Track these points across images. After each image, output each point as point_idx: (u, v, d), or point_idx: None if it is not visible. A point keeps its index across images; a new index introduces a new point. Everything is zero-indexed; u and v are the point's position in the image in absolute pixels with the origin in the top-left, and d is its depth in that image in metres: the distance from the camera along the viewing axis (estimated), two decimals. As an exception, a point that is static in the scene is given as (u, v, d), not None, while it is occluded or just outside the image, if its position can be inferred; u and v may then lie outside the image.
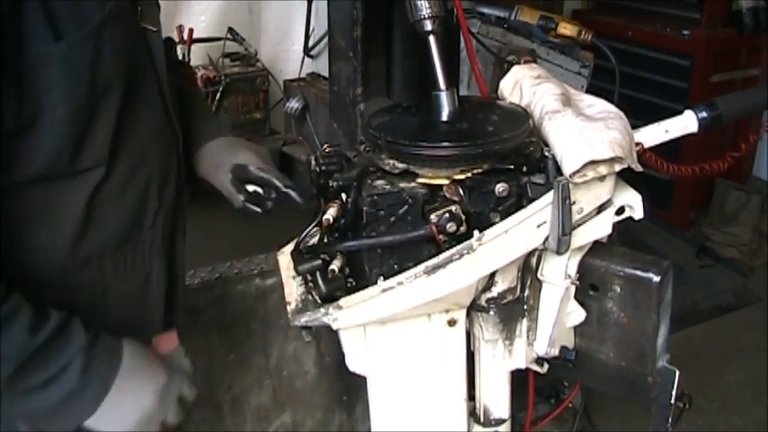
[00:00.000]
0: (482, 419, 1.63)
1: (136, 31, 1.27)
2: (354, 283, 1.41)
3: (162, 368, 1.28)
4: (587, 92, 1.76)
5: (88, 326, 1.15)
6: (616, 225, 1.45)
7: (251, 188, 1.53)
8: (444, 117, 1.49)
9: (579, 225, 1.38)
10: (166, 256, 1.42)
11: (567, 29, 2.61)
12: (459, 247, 1.31)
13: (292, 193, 1.48)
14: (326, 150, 1.50)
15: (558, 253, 1.34)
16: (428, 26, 1.47)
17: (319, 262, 1.38)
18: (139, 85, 1.25)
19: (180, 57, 3.32)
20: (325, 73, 2.74)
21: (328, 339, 2.25)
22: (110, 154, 1.21)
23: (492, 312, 1.47)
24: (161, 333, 1.39)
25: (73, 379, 1.11)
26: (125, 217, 1.29)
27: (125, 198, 1.28)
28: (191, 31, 3.48)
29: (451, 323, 1.47)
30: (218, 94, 3.48)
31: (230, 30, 3.65)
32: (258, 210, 1.50)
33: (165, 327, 1.44)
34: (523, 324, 1.51)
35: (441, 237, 1.33)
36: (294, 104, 3.54)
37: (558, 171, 1.34)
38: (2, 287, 1.06)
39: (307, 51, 3.67)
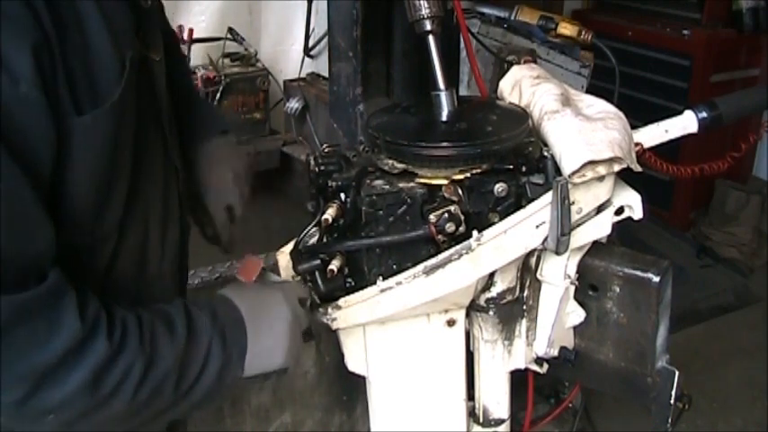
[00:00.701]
0: (481, 419, 1.63)
1: (138, 63, 1.15)
2: (353, 283, 1.41)
3: (273, 295, 1.28)
4: (587, 92, 1.76)
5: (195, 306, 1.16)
6: (615, 225, 1.45)
7: None
8: (443, 117, 1.49)
9: (578, 225, 1.38)
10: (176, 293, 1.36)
11: (567, 29, 2.61)
12: (458, 247, 1.31)
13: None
14: (326, 150, 1.50)
15: (558, 253, 1.34)
16: (427, 26, 1.47)
17: (318, 262, 1.38)
18: (144, 124, 1.16)
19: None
20: (325, 73, 2.73)
21: (328, 339, 2.24)
22: (123, 216, 1.13)
23: (491, 312, 1.47)
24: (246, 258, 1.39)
25: (217, 356, 1.12)
26: (133, 271, 1.20)
27: (132, 253, 1.19)
28: (191, 31, 3.47)
29: (451, 323, 1.47)
30: (218, 94, 3.48)
31: (230, 30, 3.65)
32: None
33: None
34: (523, 324, 1.51)
35: (440, 237, 1.33)
36: (294, 104, 3.54)
37: (558, 171, 1.34)
38: (131, 317, 1.04)
39: (307, 51, 3.67)
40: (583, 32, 2.57)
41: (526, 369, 1.58)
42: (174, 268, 1.32)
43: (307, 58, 3.70)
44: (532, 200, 1.35)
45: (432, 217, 1.32)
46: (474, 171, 1.37)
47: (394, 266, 1.38)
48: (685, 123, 1.57)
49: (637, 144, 1.48)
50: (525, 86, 1.56)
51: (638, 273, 1.40)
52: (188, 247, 1.41)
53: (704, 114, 1.57)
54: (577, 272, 1.44)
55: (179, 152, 1.36)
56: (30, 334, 0.92)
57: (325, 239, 1.40)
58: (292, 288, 1.34)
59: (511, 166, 1.38)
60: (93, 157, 1.00)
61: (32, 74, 0.89)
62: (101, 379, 0.97)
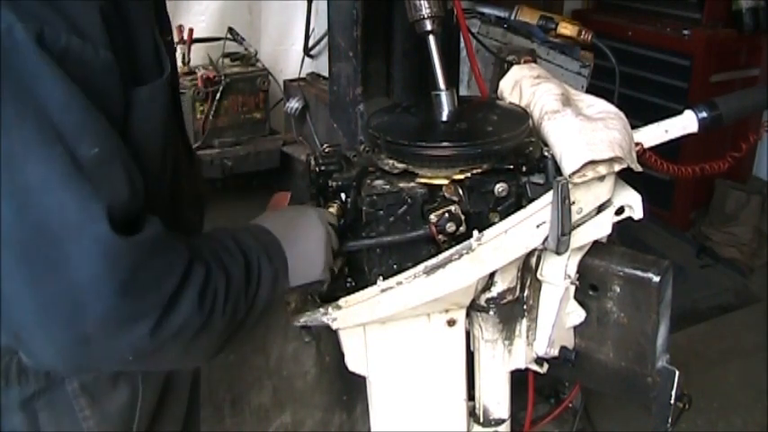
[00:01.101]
0: (482, 419, 1.63)
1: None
2: (354, 283, 1.41)
3: (306, 212, 1.33)
4: (587, 92, 1.76)
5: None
6: (616, 225, 1.45)
7: None
8: (444, 117, 1.49)
9: (579, 225, 1.38)
10: None
11: (567, 29, 2.61)
12: (458, 247, 1.31)
13: None
14: (326, 150, 1.50)
15: (558, 253, 1.34)
16: (427, 26, 1.47)
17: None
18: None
19: (180, 57, 3.32)
20: (325, 73, 2.73)
21: (328, 339, 2.24)
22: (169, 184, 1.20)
23: (491, 312, 1.47)
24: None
25: (268, 270, 1.17)
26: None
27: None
28: (191, 31, 3.47)
29: (451, 323, 1.47)
30: (218, 94, 3.48)
31: (230, 30, 3.64)
32: None
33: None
34: (523, 324, 1.51)
35: (440, 237, 1.33)
36: (294, 104, 3.53)
37: (558, 171, 1.34)
38: (203, 244, 1.11)
39: (307, 51, 3.67)
40: (583, 32, 2.56)
41: (526, 369, 1.58)
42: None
43: (307, 58, 3.69)
44: (533, 200, 1.35)
45: (432, 217, 1.32)
46: (474, 171, 1.37)
47: (394, 266, 1.38)
48: (685, 123, 1.58)
49: (637, 144, 1.48)
50: (525, 86, 1.56)
51: (639, 272, 1.40)
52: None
53: (704, 114, 1.57)
54: (578, 272, 1.44)
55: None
56: (160, 266, 0.99)
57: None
58: (323, 211, 1.37)
59: (511, 166, 1.38)
60: (151, 127, 1.08)
61: (105, 38, 0.95)
62: (203, 298, 1.03)
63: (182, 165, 1.30)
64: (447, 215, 1.32)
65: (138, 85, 1.04)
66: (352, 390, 2.48)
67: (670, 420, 1.45)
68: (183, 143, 1.38)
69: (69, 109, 0.92)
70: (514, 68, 1.67)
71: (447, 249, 1.32)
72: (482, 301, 1.47)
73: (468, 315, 1.50)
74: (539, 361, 1.55)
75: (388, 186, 1.37)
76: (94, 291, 0.93)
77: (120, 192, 0.96)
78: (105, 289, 0.93)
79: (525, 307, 1.50)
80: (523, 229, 1.33)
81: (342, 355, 1.52)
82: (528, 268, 1.46)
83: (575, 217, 1.35)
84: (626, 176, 1.42)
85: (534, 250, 1.40)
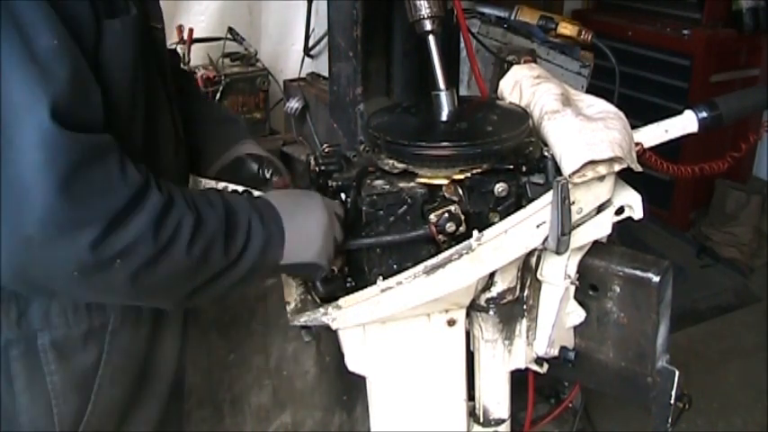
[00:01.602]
0: (482, 419, 1.63)
1: (146, 31, 1.28)
2: (354, 283, 1.41)
3: (311, 195, 1.34)
4: (587, 92, 1.76)
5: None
6: (616, 225, 1.45)
7: None
8: (444, 117, 1.49)
9: (579, 225, 1.38)
10: None
11: (567, 29, 2.61)
12: (458, 247, 1.31)
13: None
14: (326, 150, 1.50)
15: (558, 253, 1.34)
16: (427, 26, 1.47)
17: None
18: (152, 86, 1.27)
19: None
20: (325, 73, 2.72)
21: (328, 339, 2.25)
22: (143, 145, 1.23)
23: (491, 312, 1.47)
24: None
25: (259, 232, 1.19)
26: None
27: None
28: (191, 31, 3.47)
29: (451, 323, 1.47)
30: (219, 94, 3.48)
31: (230, 30, 3.64)
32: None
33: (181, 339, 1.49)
34: (523, 324, 1.51)
35: (440, 237, 1.33)
36: (294, 104, 3.53)
37: (558, 171, 1.34)
38: (172, 185, 1.13)
39: (307, 51, 3.67)
40: (583, 32, 2.56)
41: (526, 369, 1.58)
42: None
43: (307, 58, 3.69)
44: (533, 200, 1.35)
45: (432, 217, 1.32)
46: (474, 171, 1.37)
47: (394, 266, 1.38)
48: (685, 123, 1.57)
49: (637, 144, 1.48)
50: (525, 86, 1.56)
51: (639, 273, 1.40)
52: None
53: (704, 114, 1.57)
54: (578, 272, 1.44)
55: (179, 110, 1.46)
56: (105, 173, 1.01)
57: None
58: (330, 200, 1.37)
59: (511, 166, 1.38)
60: (121, 60, 1.12)
61: None
62: (159, 226, 1.05)
63: (161, 122, 1.32)
64: (447, 215, 1.32)
65: (109, 18, 1.09)
66: (352, 390, 2.48)
67: (670, 420, 1.45)
68: (169, 107, 1.39)
69: (31, 4, 0.98)
70: (514, 68, 1.67)
71: (447, 249, 1.32)
72: (482, 301, 1.47)
73: (468, 315, 1.50)
74: (539, 361, 1.55)
75: (388, 186, 1.37)
76: (34, 181, 0.95)
77: (72, 90, 0.99)
78: (44, 181, 0.95)
79: (525, 307, 1.50)
80: (523, 229, 1.33)
81: (342, 355, 1.51)
82: (528, 268, 1.46)
83: (575, 217, 1.35)
84: (626, 176, 1.42)
85: (534, 250, 1.40)
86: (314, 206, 1.30)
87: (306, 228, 1.26)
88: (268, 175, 1.54)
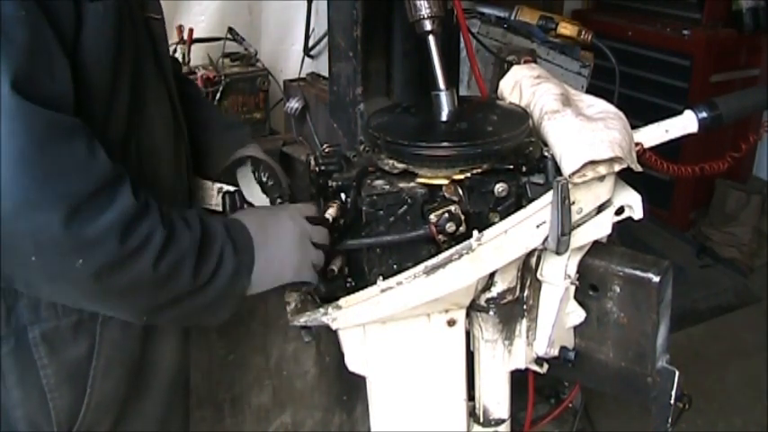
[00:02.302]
0: (482, 419, 1.62)
1: (141, 20, 1.29)
2: (354, 283, 1.41)
3: (278, 213, 1.34)
4: (587, 92, 1.76)
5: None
6: (616, 225, 1.45)
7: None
8: (444, 117, 1.49)
9: (579, 225, 1.38)
10: None
11: (567, 29, 2.61)
12: (458, 247, 1.31)
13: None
14: (326, 150, 1.50)
15: (558, 253, 1.34)
16: (427, 26, 1.47)
17: (319, 261, 1.38)
18: (144, 69, 1.27)
19: (180, 57, 3.32)
20: (325, 73, 2.72)
21: (328, 339, 2.25)
22: (124, 132, 1.22)
23: (491, 312, 1.47)
24: None
25: (231, 260, 1.18)
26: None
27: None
28: (191, 31, 3.47)
29: (451, 323, 1.47)
30: (219, 94, 3.47)
31: (230, 30, 3.64)
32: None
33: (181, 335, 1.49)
34: (523, 324, 1.51)
35: (440, 237, 1.33)
36: (294, 104, 3.53)
37: (558, 171, 1.34)
38: (152, 198, 1.11)
39: (307, 51, 3.67)
40: (583, 32, 2.57)
41: (526, 369, 1.58)
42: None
43: (307, 58, 3.69)
44: (533, 200, 1.35)
45: (432, 217, 1.32)
46: (474, 171, 1.37)
47: (394, 266, 1.38)
48: (685, 123, 1.57)
49: (637, 144, 1.48)
50: (525, 86, 1.56)
51: (639, 273, 1.40)
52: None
53: (704, 114, 1.57)
54: (578, 272, 1.44)
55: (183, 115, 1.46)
56: (70, 154, 0.99)
57: (325, 239, 1.40)
58: (297, 207, 1.38)
59: (511, 166, 1.38)
60: (103, 41, 1.11)
61: None
62: (128, 230, 1.03)
63: (157, 113, 1.31)
64: (447, 215, 1.32)
65: (91, 1, 1.09)
66: (352, 390, 2.48)
67: (670, 420, 1.45)
68: (170, 100, 1.39)
69: None
70: (514, 68, 1.67)
71: (447, 249, 1.32)
72: (482, 301, 1.47)
73: (468, 315, 1.50)
74: (539, 361, 1.55)
75: (387, 186, 1.37)
76: None
77: (33, 60, 0.98)
78: (7, 151, 0.94)
79: (525, 307, 1.50)
80: (523, 229, 1.33)
81: (342, 356, 1.51)
82: (528, 268, 1.46)
83: (575, 217, 1.35)
84: (626, 176, 1.42)
85: (534, 250, 1.40)
86: (282, 229, 1.29)
87: (279, 250, 1.27)
88: (264, 179, 1.54)
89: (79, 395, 1.27)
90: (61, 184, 0.98)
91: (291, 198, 1.51)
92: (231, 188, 1.53)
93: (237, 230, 1.23)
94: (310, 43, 3.62)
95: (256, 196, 1.53)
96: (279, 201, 1.54)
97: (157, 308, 1.14)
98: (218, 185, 1.53)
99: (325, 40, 2.78)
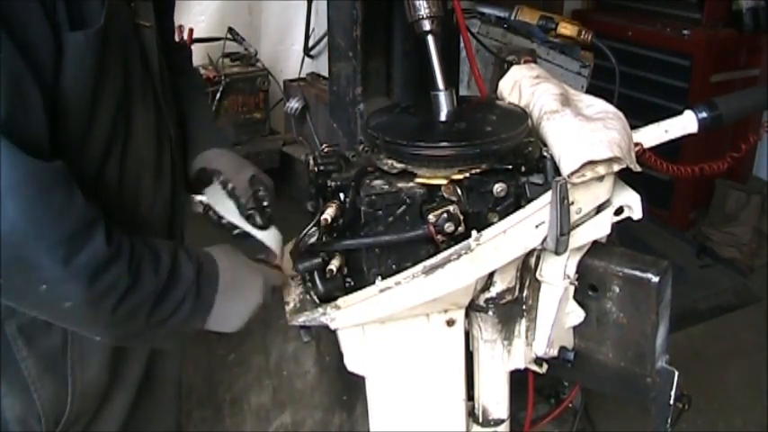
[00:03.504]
0: (481, 419, 1.62)
1: (130, 28, 1.29)
2: (353, 283, 1.41)
3: (252, 268, 1.37)
4: (587, 92, 1.76)
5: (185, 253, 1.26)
6: (615, 225, 1.44)
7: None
8: (443, 117, 1.49)
9: (578, 225, 1.38)
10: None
11: (567, 29, 2.61)
12: (457, 247, 1.31)
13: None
14: (325, 150, 1.50)
15: (557, 253, 1.34)
16: (426, 26, 1.47)
17: (318, 261, 1.38)
18: (132, 81, 1.28)
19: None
20: (325, 73, 2.73)
21: (328, 339, 2.24)
22: (105, 147, 1.24)
23: (491, 312, 1.47)
24: None
25: (188, 305, 1.22)
26: (120, 211, 1.30)
27: (121, 193, 1.30)
28: (191, 31, 3.47)
29: (450, 323, 1.47)
30: (219, 94, 3.48)
31: (230, 30, 3.65)
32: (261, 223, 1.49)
33: None
34: (522, 324, 1.51)
35: (439, 237, 1.33)
36: (294, 104, 3.54)
37: (557, 171, 1.34)
38: (125, 239, 1.14)
39: (307, 51, 3.67)
40: (583, 32, 2.57)
41: (526, 369, 1.58)
42: (164, 223, 1.44)
43: (307, 58, 3.69)
44: (532, 200, 1.35)
45: (431, 217, 1.32)
46: (473, 171, 1.37)
47: (393, 266, 1.38)
48: (685, 123, 1.57)
49: (637, 144, 1.48)
50: (525, 86, 1.56)
51: (638, 273, 1.40)
52: (182, 216, 1.53)
53: (704, 114, 1.57)
54: (577, 272, 1.44)
55: (175, 122, 1.48)
56: (64, 199, 1.05)
57: (324, 239, 1.40)
58: (271, 276, 1.41)
59: (510, 166, 1.38)
60: (83, 71, 1.13)
61: None
62: (97, 274, 1.08)
63: (143, 126, 1.33)
64: (446, 215, 1.32)
65: (73, 30, 1.09)
66: (352, 390, 2.48)
67: (669, 421, 1.45)
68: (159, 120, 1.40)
69: None
70: (514, 68, 1.67)
71: (446, 249, 1.32)
72: (481, 302, 1.47)
73: (467, 315, 1.50)
74: (538, 361, 1.55)
75: (386, 186, 1.37)
76: None
77: (10, 103, 1.01)
78: None
79: (524, 307, 1.50)
80: (522, 229, 1.33)
81: (342, 355, 1.51)
82: (527, 268, 1.46)
83: (574, 217, 1.35)
84: (626, 176, 1.42)
85: (533, 250, 1.40)
86: (251, 291, 1.34)
87: (234, 311, 1.32)
88: (230, 188, 1.51)
89: (61, 385, 1.31)
90: (43, 228, 1.03)
91: (269, 217, 1.47)
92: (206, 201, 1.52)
93: (206, 276, 1.27)
94: (310, 43, 3.63)
95: (231, 212, 1.48)
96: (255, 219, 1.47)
97: (114, 338, 1.23)
98: (198, 198, 1.52)
99: (325, 40, 2.79)
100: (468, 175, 1.37)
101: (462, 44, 2.17)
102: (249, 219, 1.45)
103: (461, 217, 1.33)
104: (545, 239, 1.34)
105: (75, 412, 1.33)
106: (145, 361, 1.47)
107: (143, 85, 1.32)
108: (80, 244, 1.06)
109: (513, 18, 2.85)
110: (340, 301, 1.37)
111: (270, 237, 1.45)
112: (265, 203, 1.47)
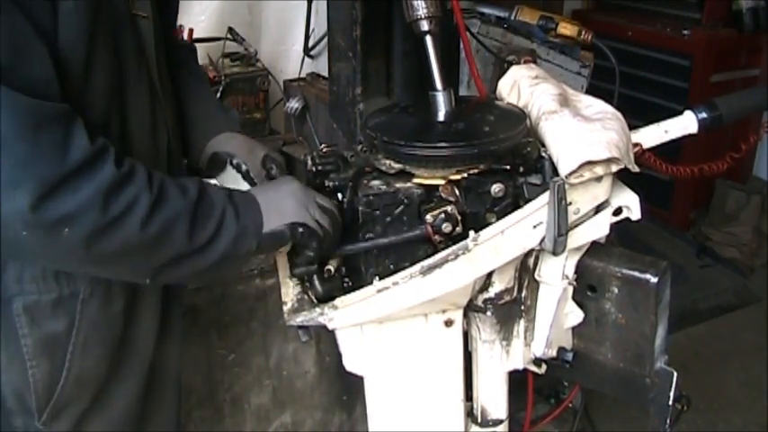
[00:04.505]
0: (479, 420, 1.62)
1: (125, 16, 1.30)
2: (350, 283, 1.41)
3: (289, 181, 1.38)
4: (587, 92, 1.76)
5: None
6: (615, 225, 1.44)
7: None
8: (441, 117, 1.49)
9: (576, 226, 1.38)
10: None
11: (567, 29, 2.61)
12: (454, 247, 1.31)
13: None
14: (323, 150, 1.50)
15: (555, 254, 1.34)
16: (425, 26, 1.47)
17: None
18: (126, 67, 1.29)
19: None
20: (325, 73, 2.73)
21: (328, 339, 2.25)
22: (100, 123, 1.25)
23: (489, 313, 1.47)
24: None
25: (232, 225, 1.22)
26: None
27: None
28: (191, 31, 3.47)
29: (448, 323, 1.47)
30: (219, 94, 3.48)
31: (230, 30, 3.64)
32: None
33: (161, 321, 1.50)
34: (521, 325, 1.51)
35: (436, 237, 1.33)
36: (294, 104, 3.53)
37: (555, 172, 1.34)
38: (140, 165, 1.16)
39: (307, 51, 3.67)
40: (583, 32, 2.57)
41: (526, 369, 1.58)
42: None
43: (307, 58, 3.69)
44: (530, 200, 1.35)
45: (428, 217, 1.32)
46: (471, 171, 1.37)
47: (391, 266, 1.38)
48: (685, 124, 1.57)
49: (636, 144, 1.48)
50: (524, 86, 1.56)
51: (637, 273, 1.40)
52: None
53: (704, 115, 1.57)
54: (576, 272, 1.44)
55: (172, 111, 1.48)
56: (48, 139, 1.05)
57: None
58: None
59: (508, 167, 1.38)
60: (76, 35, 1.14)
61: None
62: (109, 199, 1.08)
63: (137, 110, 1.33)
64: (443, 215, 1.32)
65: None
66: (352, 390, 2.48)
67: (668, 421, 1.45)
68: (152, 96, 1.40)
69: None
70: (513, 69, 1.67)
71: (443, 250, 1.32)
72: (479, 302, 1.46)
73: (465, 315, 1.50)
74: (537, 362, 1.55)
75: (384, 186, 1.37)
76: None
77: (11, 50, 1.04)
78: None
79: (523, 307, 1.49)
80: (520, 229, 1.33)
81: (341, 355, 1.51)
82: (526, 269, 1.46)
83: (572, 217, 1.35)
84: (626, 177, 1.41)
85: (532, 251, 1.40)
86: (287, 181, 1.37)
87: (278, 197, 1.32)
88: (244, 170, 1.53)
89: (57, 368, 1.33)
90: (37, 167, 1.04)
91: None
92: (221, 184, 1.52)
93: (242, 198, 1.27)
94: (310, 43, 3.63)
95: None
96: None
97: (158, 269, 1.19)
98: (213, 182, 1.52)
99: (325, 40, 2.78)
100: (465, 175, 1.36)
101: (461, 44, 2.16)
102: None
103: (459, 217, 1.33)
104: (543, 240, 1.34)
105: (65, 396, 1.35)
106: (149, 355, 1.47)
107: (138, 73, 1.33)
108: (86, 177, 1.06)
109: (512, 18, 2.85)
110: (338, 301, 1.37)
111: None
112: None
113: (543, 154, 1.38)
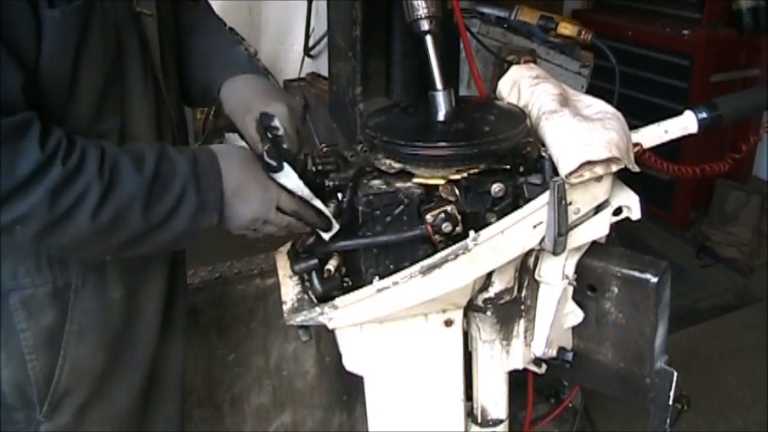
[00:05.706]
0: (480, 420, 1.62)
1: (128, 15, 1.29)
2: (350, 283, 1.41)
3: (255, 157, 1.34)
4: (587, 92, 1.76)
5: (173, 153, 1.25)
6: (615, 225, 1.44)
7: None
8: (441, 117, 1.49)
9: (576, 225, 1.38)
10: None
11: (567, 29, 2.61)
12: (454, 247, 1.31)
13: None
14: (324, 150, 1.50)
15: (554, 253, 1.34)
16: (425, 26, 1.47)
17: (315, 261, 1.38)
18: (128, 65, 1.29)
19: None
20: (325, 73, 2.73)
21: (328, 339, 2.25)
22: (90, 125, 1.25)
23: (489, 313, 1.47)
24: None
25: (192, 198, 1.22)
26: None
27: None
28: (191, 31, 3.47)
29: (448, 323, 1.47)
30: (219, 95, 3.48)
31: (230, 30, 3.64)
32: (274, 164, 1.36)
33: (164, 313, 1.50)
34: (521, 324, 1.51)
35: (436, 237, 1.32)
36: (294, 104, 3.53)
37: (556, 171, 1.34)
38: (94, 142, 1.17)
39: (307, 51, 3.67)
40: (583, 32, 2.57)
41: (526, 369, 1.58)
42: None
43: (307, 58, 3.69)
44: (530, 200, 1.35)
45: (428, 217, 1.32)
46: (471, 171, 1.37)
47: (391, 266, 1.38)
48: (685, 124, 1.57)
49: (636, 144, 1.48)
50: (524, 86, 1.56)
51: (637, 273, 1.40)
52: None
53: (704, 115, 1.57)
54: (576, 272, 1.44)
55: (177, 109, 1.48)
56: (4, 154, 1.06)
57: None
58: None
59: (508, 167, 1.38)
60: (62, 47, 1.15)
61: None
62: (57, 197, 1.10)
63: (136, 108, 1.33)
64: (443, 215, 1.31)
65: (51, 7, 1.12)
66: (352, 390, 2.49)
67: (668, 421, 1.45)
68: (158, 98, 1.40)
69: None
70: (513, 69, 1.67)
71: (443, 249, 1.32)
72: (479, 302, 1.46)
73: (465, 315, 1.50)
74: (537, 361, 1.55)
75: (384, 186, 1.37)
76: None
77: None
78: None
79: (523, 307, 1.49)
80: (520, 229, 1.33)
81: (341, 355, 1.51)
82: (526, 268, 1.46)
83: (572, 217, 1.35)
84: (626, 176, 1.41)
85: (532, 250, 1.40)
86: (252, 180, 1.31)
87: (243, 201, 1.28)
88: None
89: (54, 357, 1.34)
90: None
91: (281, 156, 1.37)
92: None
93: (205, 167, 1.25)
94: (310, 43, 3.63)
95: None
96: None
97: (117, 249, 1.22)
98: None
99: (325, 40, 2.78)
100: (466, 175, 1.36)
101: (461, 44, 2.16)
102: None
103: (459, 217, 1.32)
104: (543, 240, 1.34)
105: (63, 385, 1.35)
106: (151, 349, 1.48)
107: (143, 71, 1.33)
108: (37, 179, 1.08)
109: (512, 18, 2.85)
110: (338, 301, 1.37)
111: (283, 177, 1.36)
112: (284, 144, 1.38)
113: (543, 154, 1.38)
